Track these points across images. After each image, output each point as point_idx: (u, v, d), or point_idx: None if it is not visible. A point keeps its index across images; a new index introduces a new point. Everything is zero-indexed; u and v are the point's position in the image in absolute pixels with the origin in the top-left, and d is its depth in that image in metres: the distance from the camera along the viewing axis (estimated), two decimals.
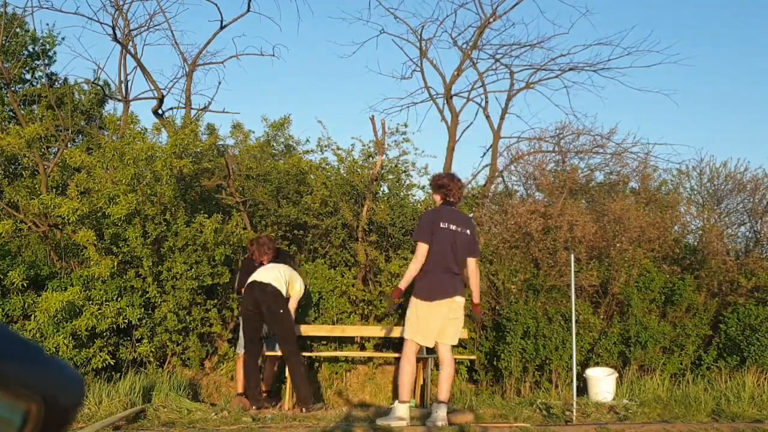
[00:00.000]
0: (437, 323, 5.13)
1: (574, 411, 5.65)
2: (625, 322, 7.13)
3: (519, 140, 9.73)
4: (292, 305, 6.12)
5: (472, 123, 11.70)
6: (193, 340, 6.68)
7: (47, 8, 9.45)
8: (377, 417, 5.28)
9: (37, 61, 10.80)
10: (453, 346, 5.47)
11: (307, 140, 9.56)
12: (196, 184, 7.67)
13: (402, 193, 8.07)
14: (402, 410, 5.12)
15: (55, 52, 11.09)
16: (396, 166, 8.02)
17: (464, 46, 9.83)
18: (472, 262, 5.28)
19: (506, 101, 9.84)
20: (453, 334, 5.26)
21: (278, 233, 7.48)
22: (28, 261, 6.98)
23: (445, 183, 5.34)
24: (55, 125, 8.95)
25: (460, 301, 5.21)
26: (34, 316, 6.17)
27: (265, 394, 6.21)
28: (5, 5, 9.39)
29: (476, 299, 5.46)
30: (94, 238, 6.49)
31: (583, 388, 6.43)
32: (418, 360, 6.88)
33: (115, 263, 6.53)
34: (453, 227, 5.15)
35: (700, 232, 8.56)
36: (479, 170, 9.96)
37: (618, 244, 7.34)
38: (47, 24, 14.15)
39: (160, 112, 9.41)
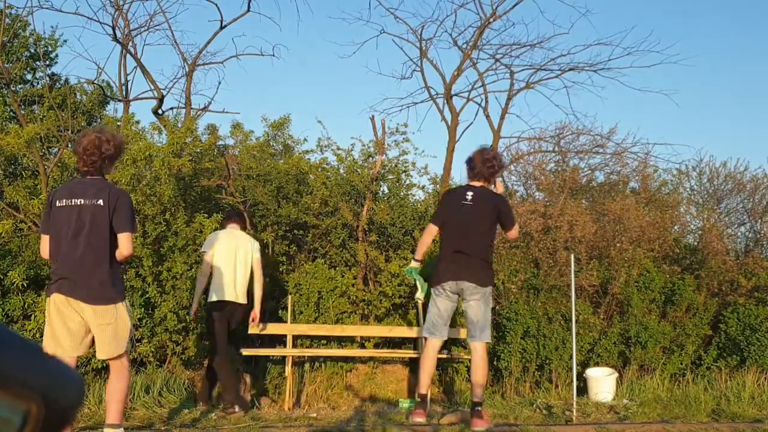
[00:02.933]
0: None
1: (574, 411, 5.66)
2: (625, 322, 7.13)
3: (519, 140, 9.74)
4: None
5: (472, 123, 11.72)
6: (193, 340, 6.68)
7: (47, 8, 9.45)
8: (378, 416, 5.28)
9: (37, 62, 10.79)
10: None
11: (305, 140, 9.56)
12: (196, 183, 7.67)
13: (402, 193, 8.08)
14: None
15: (57, 54, 11.09)
16: (396, 166, 8.02)
17: (464, 46, 9.83)
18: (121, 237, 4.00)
19: (506, 101, 9.84)
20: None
21: (278, 233, 7.48)
22: (28, 261, 6.98)
23: None
24: (57, 126, 8.95)
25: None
26: (34, 316, 6.17)
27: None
28: (5, 5, 9.39)
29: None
30: None
31: (583, 388, 6.44)
32: (412, 360, 6.87)
33: None
34: (78, 201, 3.99)
35: (700, 232, 8.56)
36: None
37: (618, 244, 7.35)
38: (51, 26, 14.16)
39: (160, 112, 9.41)
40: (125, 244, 3.97)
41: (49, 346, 3.89)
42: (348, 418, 5.61)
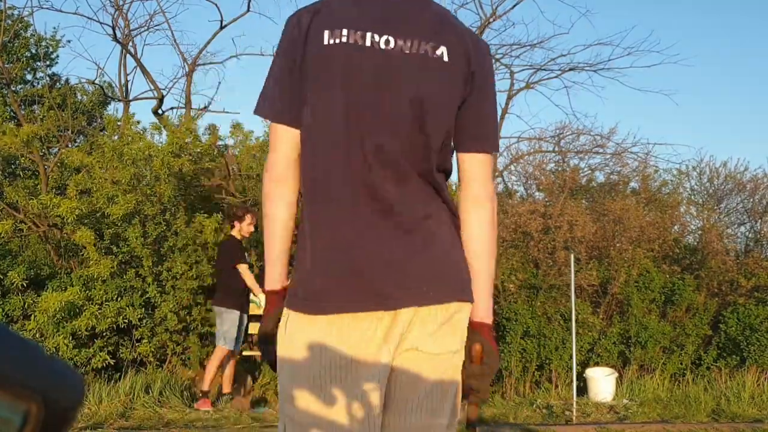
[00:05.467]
0: None
1: (574, 411, 5.66)
2: (625, 322, 7.13)
3: (519, 140, 9.74)
4: None
5: None
6: (194, 340, 6.68)
7: (47, 8, 9.48)
8: None
9: (38, 62, 10.80)
10: None
11: None
12: (196, 183, 7.67)
13: None
14: None
15: (57, 55, 11.10)
16: None
17: None
18: None
19: (506, 101, 9.84)
20: None
21: None
22: (28, 261, 6.98)
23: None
24: (57, 126, 8.95)
25: None
26: (34, 316, 6.17)
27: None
28: (5, 5, 9.39)
29: None
30: (93, 238, 6.49)
31: (583, 388, 6.43)
32: None
33: (115, 263, 6.53)
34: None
35: (700, 232, 8.56)
36: None
37: (618, 244, 7.35)
38: (53, 27, 14.16)
39: (160, 112, 9.42)
40: None
41: None
42: None
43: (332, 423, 1.28)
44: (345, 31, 1.33)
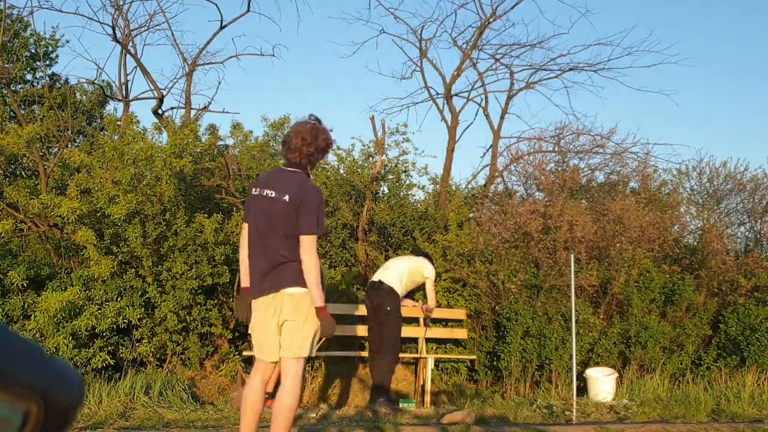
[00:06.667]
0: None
1: (574, 411, 5.66)
2: (625, 322, 7.13)
3: (519, 140, 9.75)
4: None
5: (472, 123, 11.72)
6: (194, 340, 6.68)
7: (47, 8, 9.46)
8: (378, 415, 5.28)
9: (38, 62, 10.80)
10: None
11: None
12: (196, 184, 7.67)
13: (402, 193, 8.08)
14: None
15: (57, 54, 11.09)
16: (396, 166, 8.03)
17: (464, 46, 9.83)
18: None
19: (506, 101, 9.85)
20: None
21: None
22: (28, 261, 6.98)
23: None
24: (57, 126, 8.95)
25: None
26: (34, 316, 6.17)
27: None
28: (5, 5, 9.38)
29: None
30: (94, 238, 6.49)
31: (583, 388, 6.44)
32: (416, 360, 6.88)
33: (115, 263, 6.53)
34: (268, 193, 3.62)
35: (700, 232, 8.56)
36: (479, 170, 9.99)
37: (618, 244, 7.34)
38: (52, 27, 14.15)
39: (160, 112, 9.41)
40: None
41: None
42: (348, 418, 5.61)
43: None
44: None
